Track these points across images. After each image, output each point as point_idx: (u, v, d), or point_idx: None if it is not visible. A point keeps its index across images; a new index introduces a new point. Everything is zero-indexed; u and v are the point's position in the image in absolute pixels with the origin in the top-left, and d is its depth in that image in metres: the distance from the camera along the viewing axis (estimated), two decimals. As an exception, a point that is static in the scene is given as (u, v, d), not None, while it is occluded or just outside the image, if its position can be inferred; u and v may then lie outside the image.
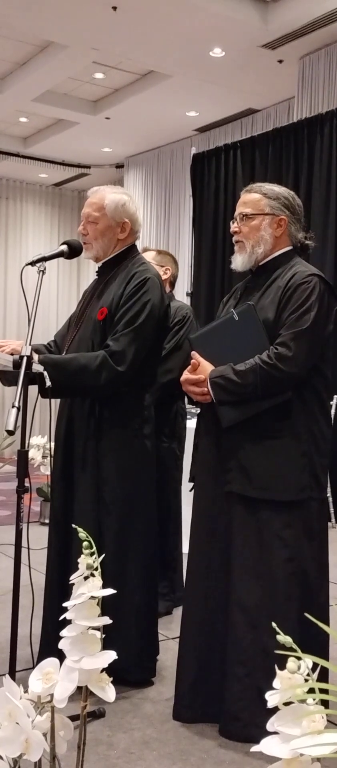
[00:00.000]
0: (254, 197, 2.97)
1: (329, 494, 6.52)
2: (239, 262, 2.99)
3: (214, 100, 8.18)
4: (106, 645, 1.66)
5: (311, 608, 2.74)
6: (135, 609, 3.13)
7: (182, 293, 8.55)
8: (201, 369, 2.84)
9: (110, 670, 1.68)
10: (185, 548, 4.44)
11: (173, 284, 4.43)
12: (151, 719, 2.92)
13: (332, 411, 6.51)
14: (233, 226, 3.00)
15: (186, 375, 2.90)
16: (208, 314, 7.70)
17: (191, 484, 3.06)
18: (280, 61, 7.21)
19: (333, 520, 6.53)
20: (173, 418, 4.21)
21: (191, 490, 3.06)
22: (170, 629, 3.82)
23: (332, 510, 6.53)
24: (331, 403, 6.87)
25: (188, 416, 5.30)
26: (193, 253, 8.46)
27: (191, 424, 4.80)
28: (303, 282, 2.81)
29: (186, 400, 4.02)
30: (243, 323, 2.81)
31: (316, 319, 2.76)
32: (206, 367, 2.84)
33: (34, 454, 6.35)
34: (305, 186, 7.18)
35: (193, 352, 2.90)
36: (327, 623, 2.76)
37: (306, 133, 7.14)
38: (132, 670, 3.12)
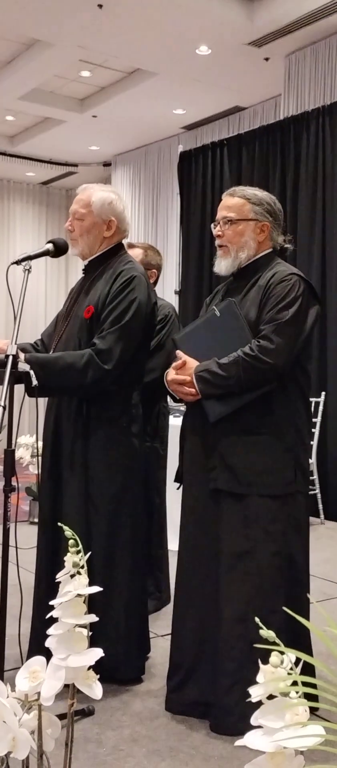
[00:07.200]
0: (238, 202, 3.02)
1: (317, 490, 6.57)
2: (222, 266, 3.04)
3: (201, 97, 8.18)
4: (95, 642, 1.66)
5: (299, 601, 2.78)
6: (124, 606, 3.13)
7: (170, 291, 8.55)
8: (187, 367, 2.89)
9: (99, 667, 1.68)
10: (172, 546, 4.46)
11: (155, 282, 4.45)
12: (140, 716, 2.93)
13: (320, 407, 6.56)
14: (216, 230, 3.04)
15: (172, 375, 2.93)
16: (196, 312, 7.68)
17: (176, 483, 3.08)
18: (266, 59, 7.22)
19: (322, 516, 6.54)
20: (155, 417, 4.19)
21: (178, 489, 3.08)
22: (158, 627, 3.82)
23: (320, 506, 6.54)
24: (318, 399, 6.89)
25: (176, 414, 5.31)
26: (181, 251, 8.46)
27: (174, 421, 4.81)
28: (283, 280, 2.89)
29: (169, 398, 4.01)
30: (225, 319, 2.87)
31: (296, 314, 2.83)
32: (192, 364, 2.89)
33: (23, 454, 6.34)
34: (291, 183, 7.20)
35: (178, 351, 2.93)
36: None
37: (293, 131, 7.16)
38: (121, 668, 3.13)
